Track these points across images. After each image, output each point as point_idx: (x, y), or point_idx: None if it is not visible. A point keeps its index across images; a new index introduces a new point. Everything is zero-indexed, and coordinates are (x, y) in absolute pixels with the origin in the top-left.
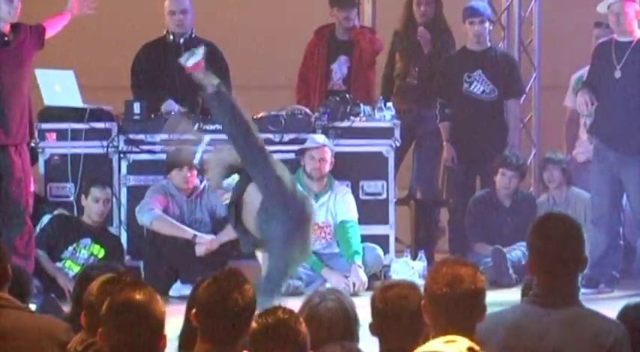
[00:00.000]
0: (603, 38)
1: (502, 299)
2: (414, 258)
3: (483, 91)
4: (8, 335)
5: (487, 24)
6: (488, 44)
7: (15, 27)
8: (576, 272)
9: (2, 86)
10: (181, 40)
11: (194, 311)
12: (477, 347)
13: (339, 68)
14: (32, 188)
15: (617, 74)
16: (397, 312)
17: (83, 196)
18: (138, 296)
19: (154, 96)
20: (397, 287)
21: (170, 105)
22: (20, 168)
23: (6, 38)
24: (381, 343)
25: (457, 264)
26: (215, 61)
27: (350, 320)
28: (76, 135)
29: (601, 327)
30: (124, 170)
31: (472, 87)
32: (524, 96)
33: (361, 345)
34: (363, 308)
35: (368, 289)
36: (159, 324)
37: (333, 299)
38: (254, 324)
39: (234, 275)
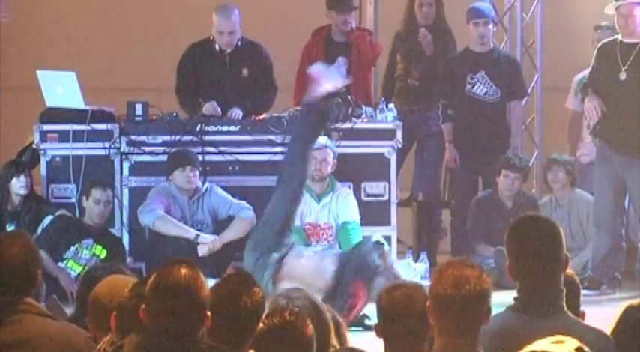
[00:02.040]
0: (604, 39)
1: (504, 300)
2: (416, 259)
3: (486, 93)
4: (30, 342)
5: (491, 25)
6: (492, 46)
7: None
8: (557, 274)
9: None
10: (228, 49)
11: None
12: (585, 348)
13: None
14: None
15: (623, 76)
16: (403, 313)
17: (84, 197)
18: (184, 278)
19: (195, 100)
20: (404, 287)
21: (212, 106)
22: None
23: None
24: (387, 344)
25: (463, 265)
26: (261, 60)
27: (321, 313)
28: (77, 137)
29: (584, 338)
30: (125, 171)
31: (475, 88)
32: (526, 97)
33: (365, 346)
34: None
35: None
36: (203, 305)
37: (298, 296)
38: (260, 324)
39: (244, 278)
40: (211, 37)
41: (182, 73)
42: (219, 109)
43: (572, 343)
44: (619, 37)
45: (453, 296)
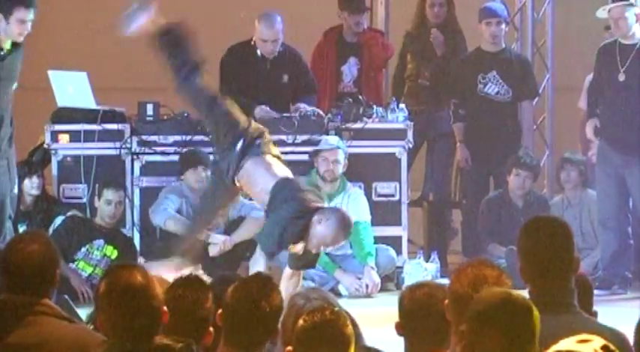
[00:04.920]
0: (606, 40)
1: None
2: (427, 259)
3: (498, 92)
4: (45, 346)
5: (503, 25)
6: (503, 45)
7: (15, 44)
8: (569, 273)
9: None
10: (270, 56)
11: (220, 312)
12: (612, 347)
13: (349, 70)
14: (16, 190)
15: (622, 77)
16: (426, 312)
17: (96, 198)
18: (136, 280)
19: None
20: (426, 286)
21: (264, 111)
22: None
23: (2, 52)
24: (407, 343)
25: (482, 265)
26: (301, 66)
27: None
28: (88, 137)
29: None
30: (136, 171)
31: (487, 88)
32: (537, 97)
33: (383, 346)
34: (374, 309)
35: (381, 290)
36: (158, 303)
37: (316, 297)
38: (300, 321)
39: (263, 281)
40: (253, 42)
41: (225, 76)
42: (273, 112)
43: (598, 342)
44: (619, 38)
45: (469, 295)
